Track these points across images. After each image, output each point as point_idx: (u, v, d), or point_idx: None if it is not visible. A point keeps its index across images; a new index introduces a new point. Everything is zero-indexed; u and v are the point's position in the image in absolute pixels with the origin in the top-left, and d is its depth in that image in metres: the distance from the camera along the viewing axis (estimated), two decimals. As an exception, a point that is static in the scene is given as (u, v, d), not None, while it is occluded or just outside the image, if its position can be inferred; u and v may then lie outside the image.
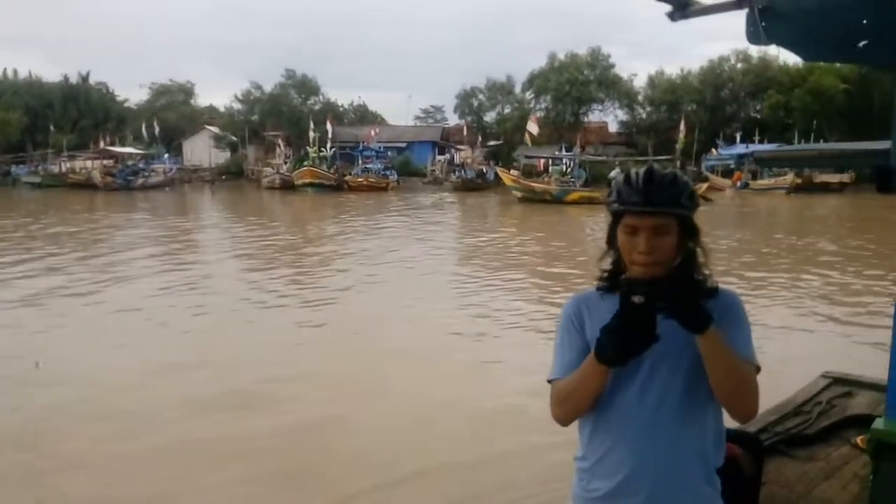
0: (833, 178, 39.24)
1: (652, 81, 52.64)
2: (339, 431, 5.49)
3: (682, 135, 38.61)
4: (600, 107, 52.80)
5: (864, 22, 2.67)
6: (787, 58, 49.70)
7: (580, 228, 23.04)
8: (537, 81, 52.05)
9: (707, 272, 1.55)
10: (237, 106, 55.20)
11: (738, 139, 45.13)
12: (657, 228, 1.44)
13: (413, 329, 8.62)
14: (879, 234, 18.82)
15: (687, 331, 1.39)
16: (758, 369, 1.50)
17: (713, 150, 45.34)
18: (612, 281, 1.54)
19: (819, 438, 3.71)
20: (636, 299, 1.35)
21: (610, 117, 54.00)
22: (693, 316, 1.38)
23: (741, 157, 41.40)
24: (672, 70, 53.23)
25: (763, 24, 2.83)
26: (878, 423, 2.88)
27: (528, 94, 53.59)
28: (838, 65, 46.19)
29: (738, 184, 39.46)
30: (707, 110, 49.50)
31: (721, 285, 1.57)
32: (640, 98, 52.59)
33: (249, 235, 19.89)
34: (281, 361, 7.21)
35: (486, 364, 7.29)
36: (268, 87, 53.88)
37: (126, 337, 8.06)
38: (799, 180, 37.89)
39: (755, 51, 49.36)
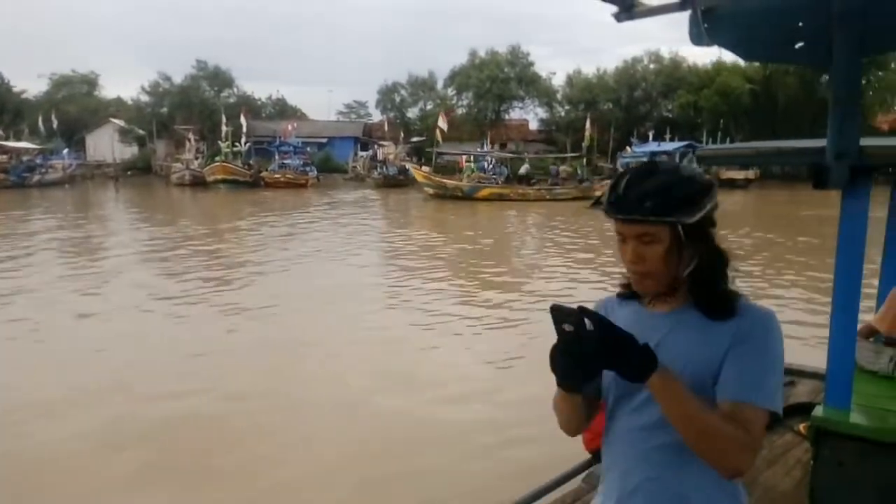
0: (738, 174, 41.25)
1: (570, 80, 54.26)
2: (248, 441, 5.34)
3: (588, 133, 39.76)
4: (521, 104, 53.94)
5: (800, 24, 2.79)
6: (697, 59, 52.69)
7: (502, 225, 23.26)
8: (458, 78, 52.49)
9: (730, 284, 1.35)
10: (145, 98, 52.73)
11: (650, 137, 47.02)
12: (642, 237, 1.31)
13: (330, 332, 8.45)
14: (790, 229, 19.81)
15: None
16: (773, 415, 1.26)
17: (628, 147, 47.07)
18: (630, 287, 1.42)
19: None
20: (566, 327, 1.19)
21: (530, 115, 55.31)
22: (620, 361, 1.19)
23: (654, 154, 43.35)
24: (589, 70, 55.08)
25: (706, 25, 2.92)
26: (818, 411, 3.03)
27: (450, 91, 53.98)
28: (744, 66, 49.21)
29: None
30: (622, 109, 51.45)
31: (757, 302, 1.35)
32: (558, 97, 54.07)
33: (151, 236, 18.72)
34: (174, 375, 6.79)
35: (410, 365, 7.32)
36: (178, 79, 51.80)
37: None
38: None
39: (666, 52, 51.92)
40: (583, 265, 14.16)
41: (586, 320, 1.18)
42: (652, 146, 44.82)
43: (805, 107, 45.87)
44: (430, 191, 31.59)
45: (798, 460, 3.50)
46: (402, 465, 4.92)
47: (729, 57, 51.38)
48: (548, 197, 31.40)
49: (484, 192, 31.02)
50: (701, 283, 1.33)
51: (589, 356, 1.19)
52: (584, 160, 37.18)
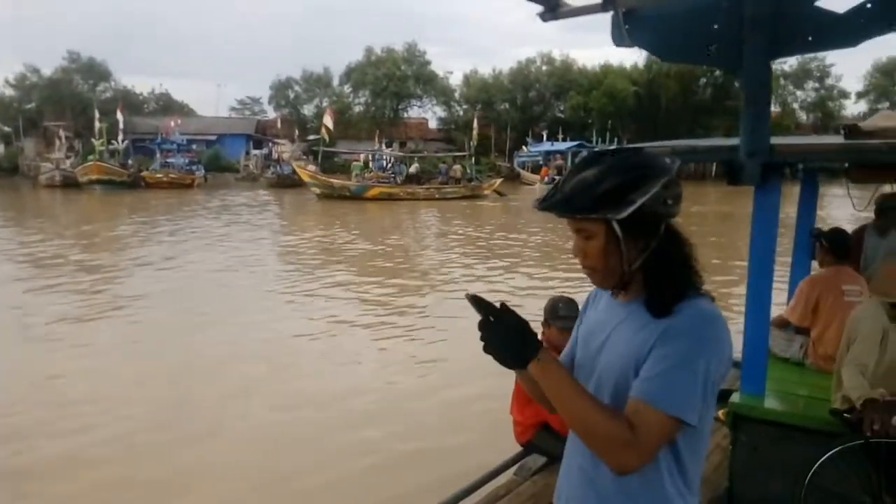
0: None
1: (467, 80, 55.28)
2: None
3: (475, 132, 40.53)
4: (419, 103, 54.21)
5: (715, 27, 2.94)
6: (586, 62, 55.22)
7: (394, 224, 22.93)
8: (355, 75, 52.01)
9: (685, 279, 1.33)
10: (10, 92, 48.29)
11: (544, 137, 48.68)
12: (580, 232, 1.34)
13: (219, 344, 7.95)
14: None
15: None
16: (679, 421, 1.23)
17: (524, 147, 48.48)
18: None
19: None
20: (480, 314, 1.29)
21: (429, 114, 55.70)
22: (501, 347, 1.27)
23: (548, 153, 44.95)
24: (485, 70, 56.24)
25: (627, 27, 3.04)
26: (735, 398, 3.23)
27: (347, 88, 53.36)
28: (628, 69, 52.08)
29: (546, 179, 42.35)
30: (518, 109, 53.04)
31: (704, 303, 1.31)
32: (456, 96, 54.81)
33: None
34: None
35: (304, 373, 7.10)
36: (48, 71, 47.87)
37: None
38: None
39: (558, 54, 53.96)
40: (480, 261, 14.31)
41: (474, 308, 1.28)
42: (546, 146, 46.55)
43: (684, 108, 49.24)
44: (317, 191, 30.74)
45: (718, 445, 3.71)
46: (317, 478, 4.77)
47: (615, 60, 54.40)
48: (437, 196, 31.35)
49: (373, 192, 30.57)
50: (649, 277, 1.33)
51: (499, 340, 1.27)
52: (473, 159, 37.56)
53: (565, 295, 3.56)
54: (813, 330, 3.74)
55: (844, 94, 53.49)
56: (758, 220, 3.02)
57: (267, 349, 7.75)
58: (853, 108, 53.41)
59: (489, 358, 1.30)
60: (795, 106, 51.48)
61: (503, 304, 1.30)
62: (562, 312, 3.35)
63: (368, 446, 5.22)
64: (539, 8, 2.95)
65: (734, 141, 3.00)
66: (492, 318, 1.27)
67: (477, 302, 1.28)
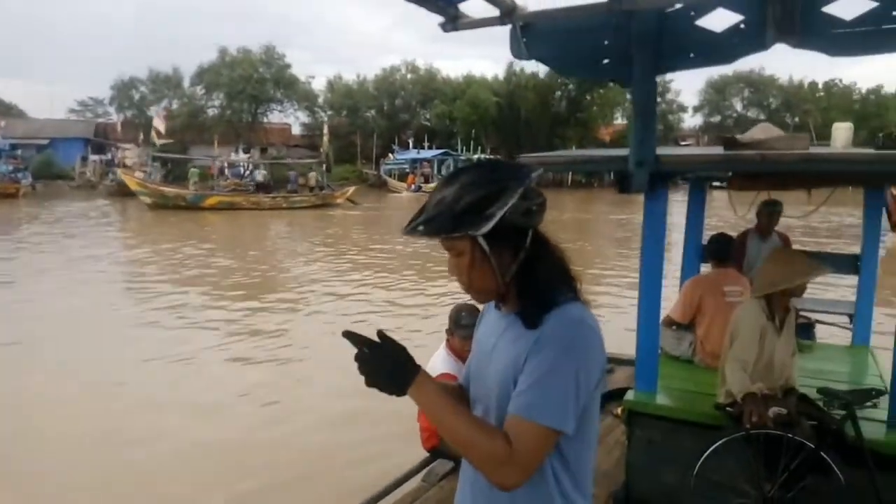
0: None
1: (331, 86, 54.59)
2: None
3: (326, 138, 40.05)
4: (280, 108, 52.68)
5: (606, 43, 3.13)
6: (450, 72, 56.58)
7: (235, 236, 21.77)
8: (207, 76, 49.53)
9: (554, 287, 1.34)
10: None
11: (410, 145, 49.25)
12: (450, 250, 1.35)
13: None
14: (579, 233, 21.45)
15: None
16: (557, 430, 1.24)
17: (390, 154, 48.74)
18: None
19: None
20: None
21: (292, 119, 54.30)
22: (378, 377, 1.28)
23: (415, 161, 45.53)
24: (350, 77, 55.92)
25: (524, 40, 3.17)
26: (630, 395, 3.42)
27: (199, 89, 50.73)
28: (490, 80, 54.06)
29: (413, 186, 42.82)
30: (384, 117, 53.20)
31: (573, 309, 1.31)
32: (320, 101, 53.97)
33: None
34: None
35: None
36: None
37: None
38: None
39: (422, 63, 54.87)
40: (338, 274, 14.06)
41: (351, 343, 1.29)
42: (412, 153, 47.12)
43: (542, 119, 51.87)
44: (148, 200, 28.31)
45: (617, 441, 3.92)
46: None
47: (477, 71, 56.28)
48: (284, 206, 30.04)
49: (211, 201, 28.82)
50: (520, 289, 1.35)
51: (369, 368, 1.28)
52: (324, 166, 36.81)
53: (468, 303, 3.60)
54: (699, 329, 4.07)
55: (683, 108, 58.89)
56: (647, 226, 3.23)
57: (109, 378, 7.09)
58: (690, 121, 59.03)
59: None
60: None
61: (380, 333, 1.30)
62: (464, 321, 3.38)
63: (250, 472, 4.96)
64: (441, 18, 2.98)
65: (624, 151, 3.19)
66: (367, 350, 1.28)
67: (352, 337, 1.29)
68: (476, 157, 45.93)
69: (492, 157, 46.47)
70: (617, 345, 5.45)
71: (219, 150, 41.89)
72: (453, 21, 3.00)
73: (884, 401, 3.12)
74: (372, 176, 45.70)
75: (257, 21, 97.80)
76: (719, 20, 2.91)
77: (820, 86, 56.44)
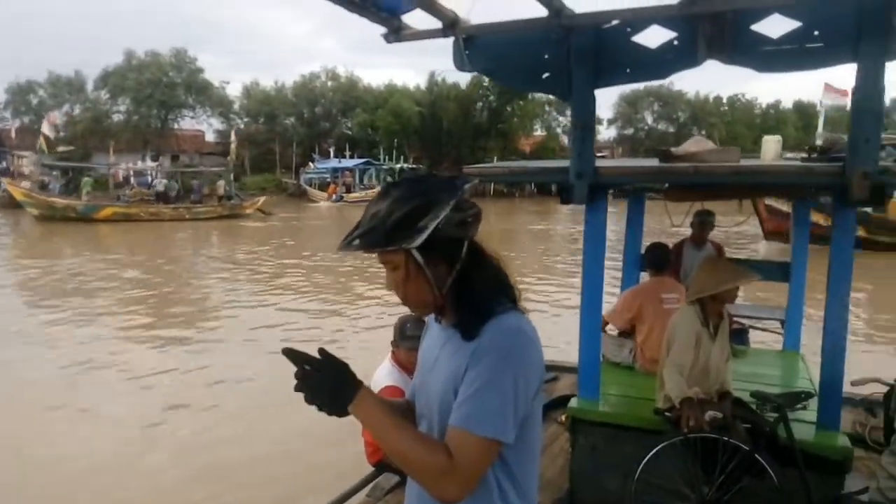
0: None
1: (247, 92, 53.18)
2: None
3: (234, 146, 39.06)
4: (192, 114, 50.88)
5: (546, 57, 3.21)
6: (372, 80, 56.27)
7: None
8: (112, 79, 47.27)
9: (490, 298, 1.34)
10: None
11: (331, 154, 48.70)
12: (386, 264, 1.36)
13: None
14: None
15: None
16: (497, 441, 1.24)
17: (310, 163, 48.02)
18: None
19: None
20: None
21: (205, 126, 52.52)
22: (318, 396, 1.27)
23: (336, 170, 45.03)
24: (268, 83, 54.67)
25: (467, 52, 3.22)
26: (573, 402, 3.49)
27: (104, 94, 48.33)
28: (412, 89, 54.30)
29: (334, 196, 42.17)
30: (304, 125, 52.30)
31: (510, 318, 1.31)
32: (236, 108, 52.52)
33: None
34: None
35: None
36: None
37: None
38: None
39: (343, 71, 54.44)
40: (250, 285, 13.77)
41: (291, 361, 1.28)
42: (333, 162, 46.60)
43: (464, 130, 52.49)
44: (35, 212, 26.84)
45: (562, 448, 3.98)
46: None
47: (399, 80, 56.35)
48: (187, 217, 28.97)
49: (105, 213, 27.55)
50: (456, 301, 1.36)
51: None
52: (232, 175, 35.67)
53: (414, 315, 3.58)
54: (639, 336, 4.21)
55: (598, 121, 61.01)
56: (588, 236, 3.32)
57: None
58: (606, 132, 61.21)
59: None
60: (559, 130, 57.42)
61: (322, 350, 1.30)
62: (409, 332, 3.36)
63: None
64: (384, 29, 3.01)
65: (565, 163, 3.27)
66: (307, 368, 1.27)
67: (293, 354, 1.27)
68: (398, 166, 46.03)
69: (416, 168, 46.78)
70: (554, 353, 5.57)
71: (115, 158, 39.98)
72: (396, 32, 3.03)
73: (813, 403, 3.29)
74: (292, 185, 44.81)
75: (169, 23, 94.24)
76: (654, 37, 3.04)
77: (724, 100, 59.83)
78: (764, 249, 18.55)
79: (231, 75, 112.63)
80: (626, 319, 4.23)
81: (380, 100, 52.19)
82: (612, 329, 4.53)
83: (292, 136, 49.98)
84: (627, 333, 4.31)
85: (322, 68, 53.79)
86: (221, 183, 33.97)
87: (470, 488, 1.24)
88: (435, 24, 3.04)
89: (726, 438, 3.04)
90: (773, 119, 57.38)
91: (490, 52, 3.25)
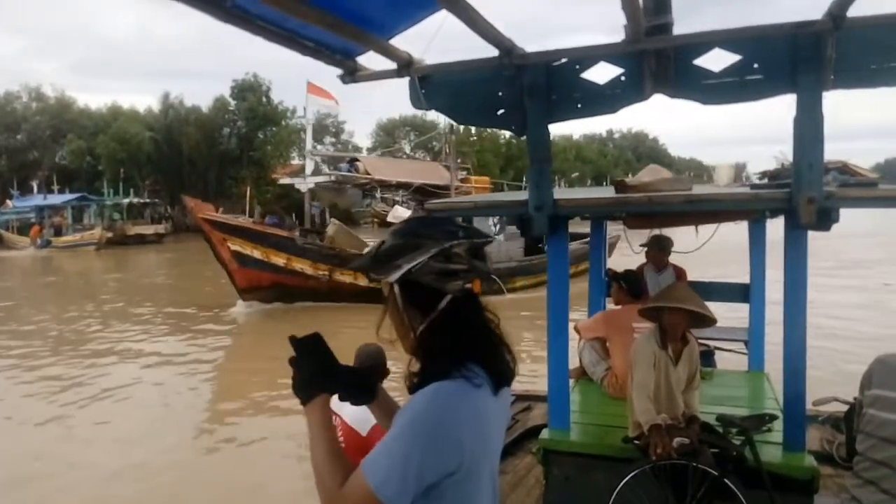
0: (148, 229, 41.81)
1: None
2: None
3: None
4: None
5: (500, 94, 3.42)
6: (89, 101, 50.82)
7: None
8: None
9: (444, 364, 1.37)
10: None
11: (35, 189, 43.18)
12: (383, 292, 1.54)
13: None
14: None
15: None
16: (374, 494, 1.27)
17: (8, 201, 42.09)
18: None
19: (507, 452, 4.30)
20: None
21: None
22: (295, 382, 1.45)
23: (41, 209, 39.85)
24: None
25: (423, 91, 3.35)
26: (544, 433, 3.65)
27: None
28: (142, 112, 50.35)
29: (39, 241, 36.99)
30: (4, 154, 45.64)
31: (444, 387, 1.33)
32: None
33: None
34: None
35: None
36: None
37: None
38: (110, 234, 38.18)
39: (50, 90, 48.78)
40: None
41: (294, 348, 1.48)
42: (37, 199, 41.30)
43: (210, 157, 50.05)
44: None
45: (537, 480, 4.10)
46: None
47: (126, 102, 51.93)
48: None
49: None
50: (420, 350, 1.44)
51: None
52: None
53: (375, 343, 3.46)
54: (612, 359, 4.46)
55: (357, 149, 63.37)
56: (552, 266, 3.53)
57: None
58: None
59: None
60: (318, 159, 58.08)
61: (319, 344, 1.48)
62: (361, 362, 3.27)
63: None
64: (340, 70, 3.10)
65: (525, 195, 3.46)
66: (305, 351, 1.46)
67: (295, 342, 1.47)
68: (126, 201, 42.26)
69: (154, 202, 42.54)
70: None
71: None
72: (352, 74, 3.10)
73: (778, 424, 3.54)
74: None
75: None
76: (603, 73, 3.36)
77: (473, 131, 65.34)
78: (241, 312, 15.83)
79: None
80: (593, 338, 4.52)
81: (100, 124, 47.70)
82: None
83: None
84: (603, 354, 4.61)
85: (23, 87, 47.71)
86: None
87: None
88: (390, 64, 3.14)
89: (695, 464, 3.25)
90: (516, 148, 63.77)
91: (446, 90, 3.36)
